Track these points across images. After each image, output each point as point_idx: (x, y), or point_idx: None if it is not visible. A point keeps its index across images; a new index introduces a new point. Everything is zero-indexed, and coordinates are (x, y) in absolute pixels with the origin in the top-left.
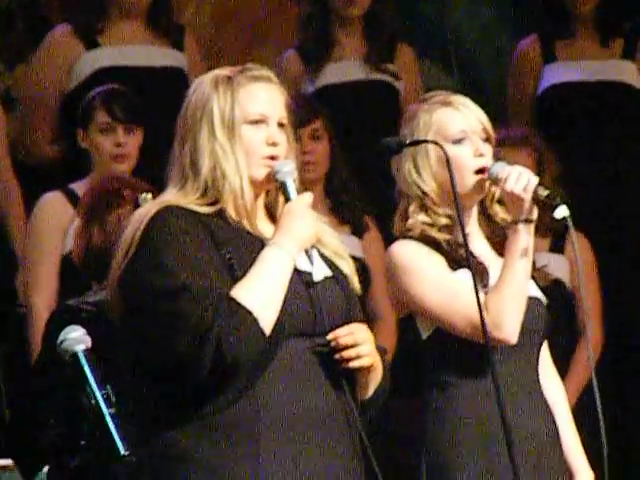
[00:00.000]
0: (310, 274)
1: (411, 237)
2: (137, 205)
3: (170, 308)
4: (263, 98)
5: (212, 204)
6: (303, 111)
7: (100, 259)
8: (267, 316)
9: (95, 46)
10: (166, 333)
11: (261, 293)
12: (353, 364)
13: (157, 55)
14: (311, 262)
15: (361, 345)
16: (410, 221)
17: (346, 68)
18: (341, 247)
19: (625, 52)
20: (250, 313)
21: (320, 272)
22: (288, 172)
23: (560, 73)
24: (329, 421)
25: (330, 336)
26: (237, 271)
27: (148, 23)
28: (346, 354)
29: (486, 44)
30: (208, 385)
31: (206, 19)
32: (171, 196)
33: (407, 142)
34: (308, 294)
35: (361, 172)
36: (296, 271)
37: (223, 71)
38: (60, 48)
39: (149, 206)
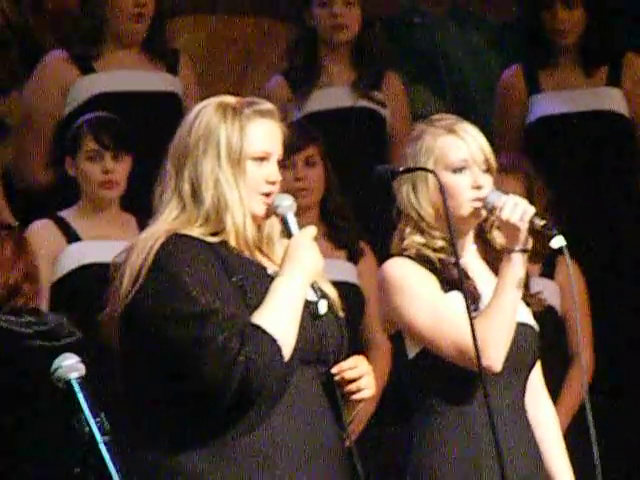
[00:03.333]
0: (314, 304)
1: (407, 255)
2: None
3: (196, 334)
4: (268, 135)
5: (213, 234)
6: (297, 137)
7: None
8: (287, 343)
9: (90, 71)
10: (192, 359)
11: (281, 321)
12: (354, 397)
13: (152, 80)
14: (316, 294)
15: (363, 378)
16: (406, 241)
17: (333, 95)
18: (323, 272)
19: (610, 79)
20: (275, 341)
21: (324, 304)
22: (288, 206)
23: (546, 105)
24: (332, 448)
25: (335, 370)
26: (249, 298)
27: (143, 48)
28: (349, 388)
29: (478, 70)
30: (228, 412)
31: (200, 44)
32: (170, 222)
33: (400, 170)
34: (314, 324)
35: (346, 198)
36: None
37: (228, 100)
38: (55, 73)
39: (152, 233)
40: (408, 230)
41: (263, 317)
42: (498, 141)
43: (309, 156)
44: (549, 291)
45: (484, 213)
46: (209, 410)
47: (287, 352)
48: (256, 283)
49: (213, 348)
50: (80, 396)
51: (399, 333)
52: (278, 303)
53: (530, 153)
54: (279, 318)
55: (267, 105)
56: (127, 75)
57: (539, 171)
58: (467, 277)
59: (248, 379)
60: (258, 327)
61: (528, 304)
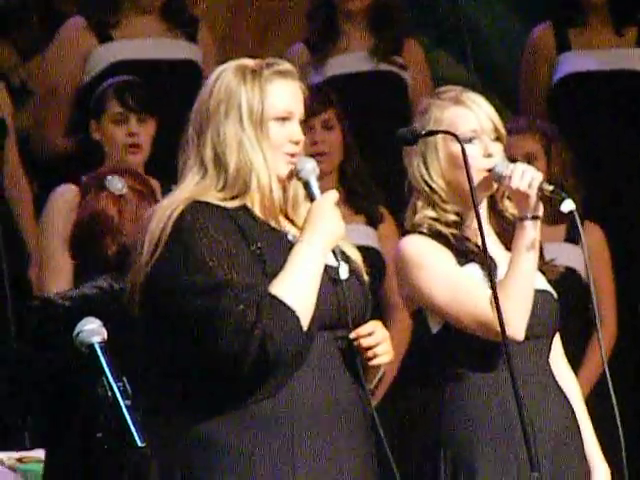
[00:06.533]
0: (335, 269)
1: (420, 232)
2: (103, 186)
3: (213, 305)
4: (289, 95)
5: (233, 198)
6: (315, 101)
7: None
8: (306, 313)
9: (109, 39)
10: (209, 330)
11: (299, 290)
12: (371, 362)
13: (171, 48)
14: (337, 259)
15: (380, 344)
16: (418, 216)
17: (353, 59)
18: (347, 236)
19: (639, 40)
20: (292, 311)
21: (345, 269)
22: (311, 170)
23: (575, 62)
24: (351, 413)
25: (352, 335)
26: (268, 266)
27: (162, 16)
28: (366, 355)
29: (500, 33)
30: (247, 379)
31: (221, 11)
32: (191, 189)
33: (423, 132)
34: (334, 290)
35: (368, 163)
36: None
37: (247, 62)
38: (73, 41)
39: (172, 201)
40: (420, 204)
41: (281, 286)
42: (524, 98)
43: (326, 120)
44: (574, 256)
45: (494, 185)
46: (227, 379)
47: (305, 322)
48: (275, 250)
49: (230, 320)
50: (102, 360)
51: (420, 309)
52: (297, 271)
53: (556, 110)
54: (298, 287)
55: (286, 65)
56: (145, 43)
57: (559, 130)
58: (484, 249)
59: (265, 351)
60: (275, 298)
61: (543, 272)
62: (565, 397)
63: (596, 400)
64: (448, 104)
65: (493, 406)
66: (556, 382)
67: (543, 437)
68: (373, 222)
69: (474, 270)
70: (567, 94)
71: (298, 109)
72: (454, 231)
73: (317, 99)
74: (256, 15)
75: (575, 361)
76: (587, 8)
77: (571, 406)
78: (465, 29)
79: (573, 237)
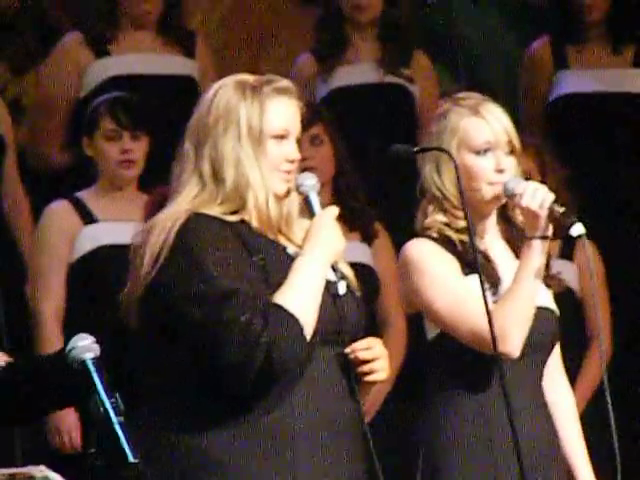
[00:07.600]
0: (334, 284)
1: (429, 236)
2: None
3: (218, 315)
4: (287, 113)
5: (232, 213)
6: (303, 115)
7: None
8: (309, 324)
9: (105, 54)
10: (215, 341)
11: (303, 301)
12: (367, 378)
13: (168, 63)
14: (336, 274)
15: (377, 360)
16: (428, 220)
17: (360, 71)
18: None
19: (637, 60)
20: (297, 321)
21: (344, 284)
22: (311, 186)
23: (572, 82)
24: (349, 428)
25: (348, 350)
26: (271, 277)
27: (159, 31)
28: (361, 369)
29: (493, 49)
30: (247, 392)
31: (214, 25)
32: (190, 201)
33: (415, 150)
34: (334, 305)
35: (374, 177)
36: None
37: (246, 78)
38: (70, 56)
39: (172, 213)
40: (431, 208)
41: (285, 297)
42: (524, 114)
43: (315, 135)
44: (568, 272)
45: (503, 199)
46: (231, 391)
47: (308, 332)
48: (277, 263)
49: (235, 329)
50: (95, 377)
51: (419, 313)
52: (300, 283)
53: (552, 127)
54: (301, 298)
55: (285, 82)
56: (143, 58)
57: (554, 147)
58: (488, 260)
59: (271, 360)
60: (280, 307)
61: (549, 286)
62: (550, 419)
63: (589, 418)
64: (466, 113)
65: (478, 423)
66: (544, 403)
67: (528, 455)
68: (368, 238)
69: (477, 281)
70: (564, 113)
71: (295, 127)
72: (463, 238)
73: (305, 114)
74: (250, 28)
75: (568, 379)
76: (585, 25)
77: (554, 429)
78: (458, 44)
79: (567, 253)
